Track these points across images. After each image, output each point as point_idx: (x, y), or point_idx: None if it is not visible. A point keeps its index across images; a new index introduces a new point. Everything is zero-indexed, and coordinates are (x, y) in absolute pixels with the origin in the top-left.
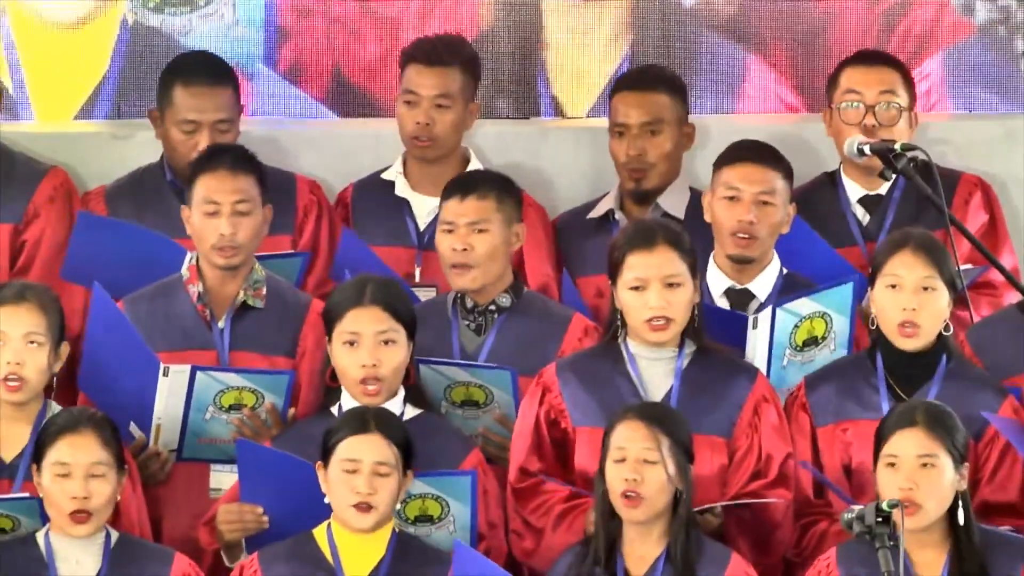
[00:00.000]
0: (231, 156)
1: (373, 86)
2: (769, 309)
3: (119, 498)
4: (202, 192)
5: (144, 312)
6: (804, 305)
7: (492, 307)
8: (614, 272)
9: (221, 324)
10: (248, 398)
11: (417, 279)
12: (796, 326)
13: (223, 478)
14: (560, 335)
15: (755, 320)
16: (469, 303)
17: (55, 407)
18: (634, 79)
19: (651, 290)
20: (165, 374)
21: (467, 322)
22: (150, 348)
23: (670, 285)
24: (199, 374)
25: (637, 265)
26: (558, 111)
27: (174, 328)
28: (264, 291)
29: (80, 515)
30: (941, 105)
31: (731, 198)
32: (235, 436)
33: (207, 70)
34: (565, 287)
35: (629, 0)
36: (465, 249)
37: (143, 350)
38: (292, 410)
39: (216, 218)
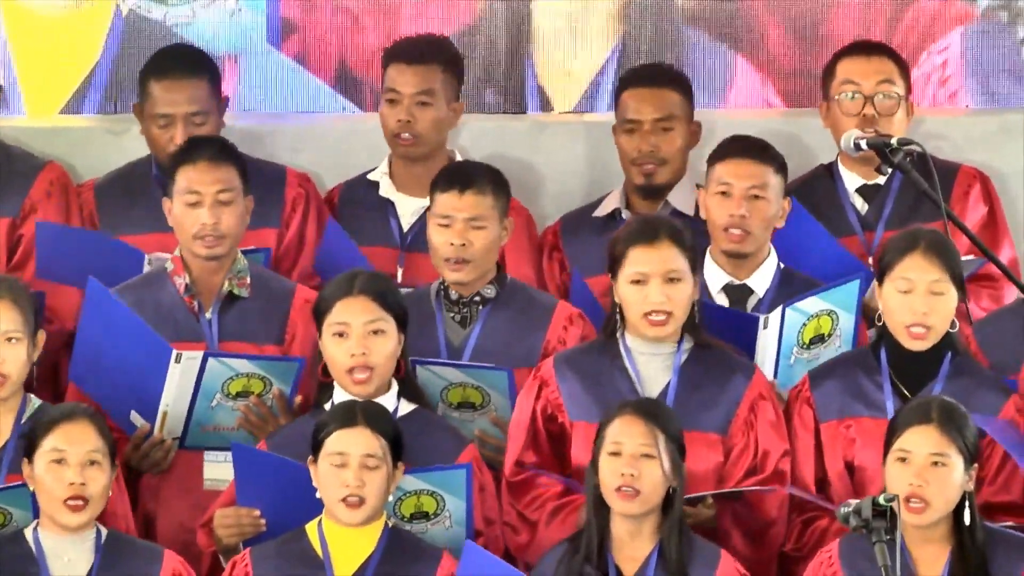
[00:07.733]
0: (212, 147)
1: (374, 76)
2: (779, 309)
3: (110, 493)
4: (183, 183)
5: (131, 304)
6: (812, 304)
7: (477, 298)
8: (615, 266)
9: (209, 315)
10: (256, 385)
11: (399, 279)
12: (804, 324)
13: (217, 469)
14: (545, 324)
15: (766, 320)
16: (453, 295)
17: (34, 400)
18: (645, 76)
19: (651, 285)
20: (177, 360)
21: (452, 314)
22: None
23: (671, 280)
24: (211, 360)
25: (638, 259)
26: (545, 106)
27: (163, 320)
28: (248, 280)
29: (76, 502)
30: (958, 95)
31: (723, 193)
32: (240, 422)
33: (180, 63)
34: (575, 286)
35: None
36: (464, 244)
37: (152, 337)
38: (299, 398)
39: (198, 208)
